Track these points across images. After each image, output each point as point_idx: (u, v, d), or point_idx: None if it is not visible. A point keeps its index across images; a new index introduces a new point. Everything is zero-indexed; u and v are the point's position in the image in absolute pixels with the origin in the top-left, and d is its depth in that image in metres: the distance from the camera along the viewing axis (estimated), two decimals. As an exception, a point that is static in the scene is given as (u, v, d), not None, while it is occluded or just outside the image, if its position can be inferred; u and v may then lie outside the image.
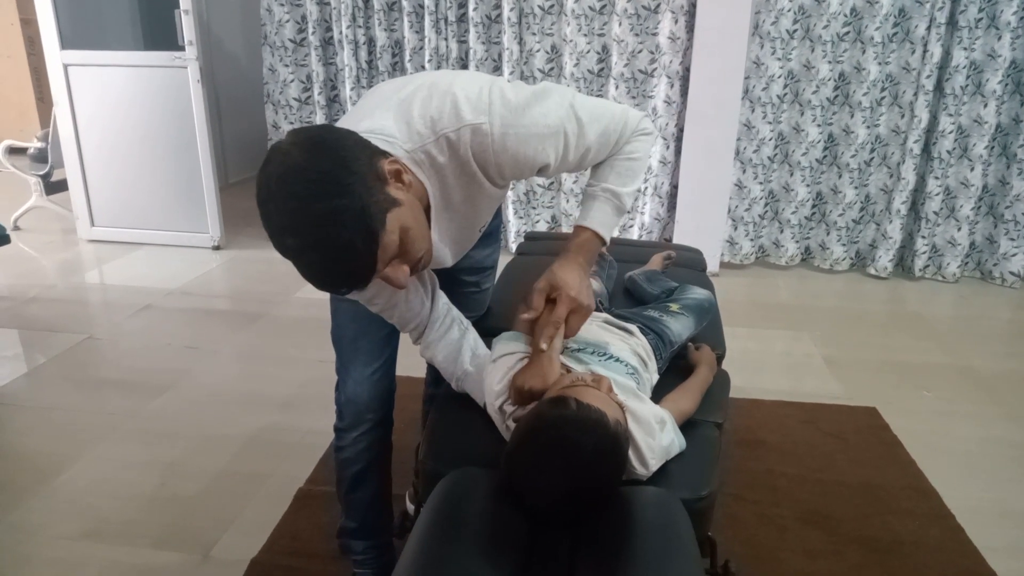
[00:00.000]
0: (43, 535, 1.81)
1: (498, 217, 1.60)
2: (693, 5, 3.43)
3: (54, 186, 4.45)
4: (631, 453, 1.09)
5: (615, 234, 1.32)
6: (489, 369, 1.26)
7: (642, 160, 1.25)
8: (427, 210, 1.13)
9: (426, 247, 1.07)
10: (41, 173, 4.39)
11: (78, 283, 3.66)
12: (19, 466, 2.11)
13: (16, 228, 4.39)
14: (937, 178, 3.54)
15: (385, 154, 1.02)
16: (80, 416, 2.37)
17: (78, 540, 1.79)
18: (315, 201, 0.93)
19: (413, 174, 1.07)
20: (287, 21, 3.93)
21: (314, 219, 0.93)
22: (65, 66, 3.87)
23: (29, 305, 3.31)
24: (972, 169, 3.53)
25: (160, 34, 3.75)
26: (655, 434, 1.15)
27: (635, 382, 1.26)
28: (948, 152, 3.50)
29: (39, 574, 1.70)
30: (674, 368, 1.49)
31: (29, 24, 6.12)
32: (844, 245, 3.77)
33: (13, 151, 4.35)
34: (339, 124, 1.15)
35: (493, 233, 1.59)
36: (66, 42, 3.85)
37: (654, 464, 1.13)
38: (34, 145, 4.41)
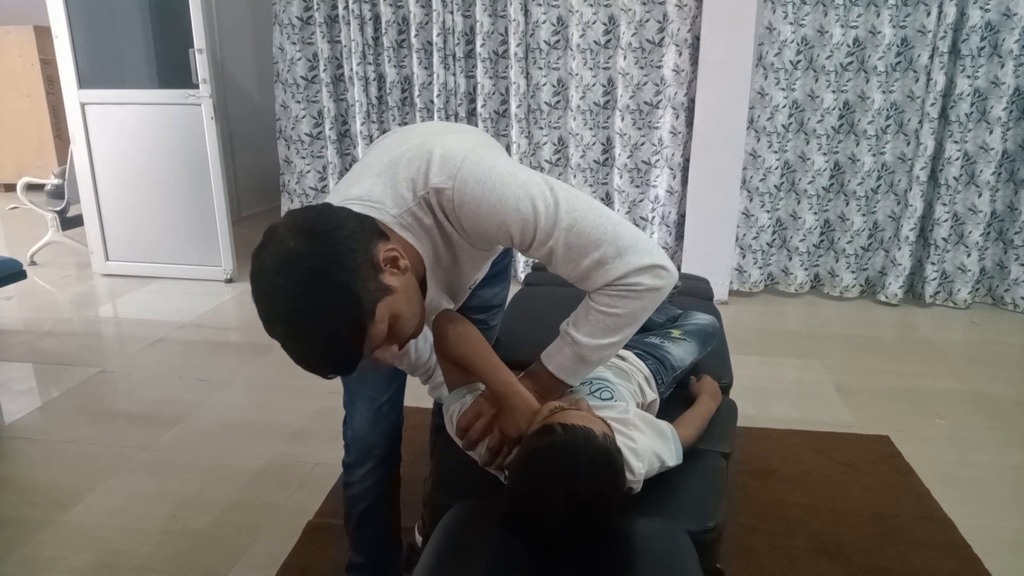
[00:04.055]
0: (55, 568, 1.82)
1: (508, 255, 1.61)
2: (697, 38, 3.48)
3: (70, 222, 4.52)
4: None
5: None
6: (449, 428, 1.25)
7: (624, 317, 1.10)
8: (425, 272, 1.13)
9: (416, 324, 1.07)
10: (57, 209, 4.46)
11: (92, 317, 3.70)
12: (32, 499, 2.13)
13: (33, 263, 4.46)
14: (945, 204, 3.54)
15: (383, 236, 1.02)
16: (93, 449, 2.39)
17: (89, 574, 1.80)
18: (303, 296, 0.94)
19: (406, 247, 1.07)
20: (299, 59, 4.02)
21: (301, 313, 0.94)
22: (82, 104, 3.97)
23: (44, 339, 3.35)
24: (980, 195, 3.54)
25: (175, 72, 3.84)
26: (635, 437, 1.15)
27: (601, 397, 1.25)
28: (955, 179, 3.51)
29: (50, 608, 1.71)
30: (678, 399, 1.49)
31: (48, 64, 6.27)
32: (853, 272, 3.77)
33: (31, 187, 4.44)
34: (337, 188, 1.16)
35: (502, 272, 1.60)
36: (83, 81, 3.95)
37: (640, 467, 1.12)
38: (51, 182, 4.49)
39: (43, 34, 6.16)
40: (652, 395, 1.40)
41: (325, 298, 0.94)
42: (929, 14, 3.33)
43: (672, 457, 1.19)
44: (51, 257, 4.59)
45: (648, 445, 1.16)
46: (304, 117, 4.12)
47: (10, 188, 6.34)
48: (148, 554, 1.87)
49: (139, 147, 4.00)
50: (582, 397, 1.18)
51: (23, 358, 3.14)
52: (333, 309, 0.94)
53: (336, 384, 1.47)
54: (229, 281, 4.08)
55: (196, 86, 3.79)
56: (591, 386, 1.28)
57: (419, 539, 1.78)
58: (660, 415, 1.33)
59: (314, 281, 0.94)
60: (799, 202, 3.73)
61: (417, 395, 1.55)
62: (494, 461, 1.18)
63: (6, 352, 3.18)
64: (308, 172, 4.21)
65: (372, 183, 1.09)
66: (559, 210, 1.05)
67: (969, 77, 3.36)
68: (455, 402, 1.24)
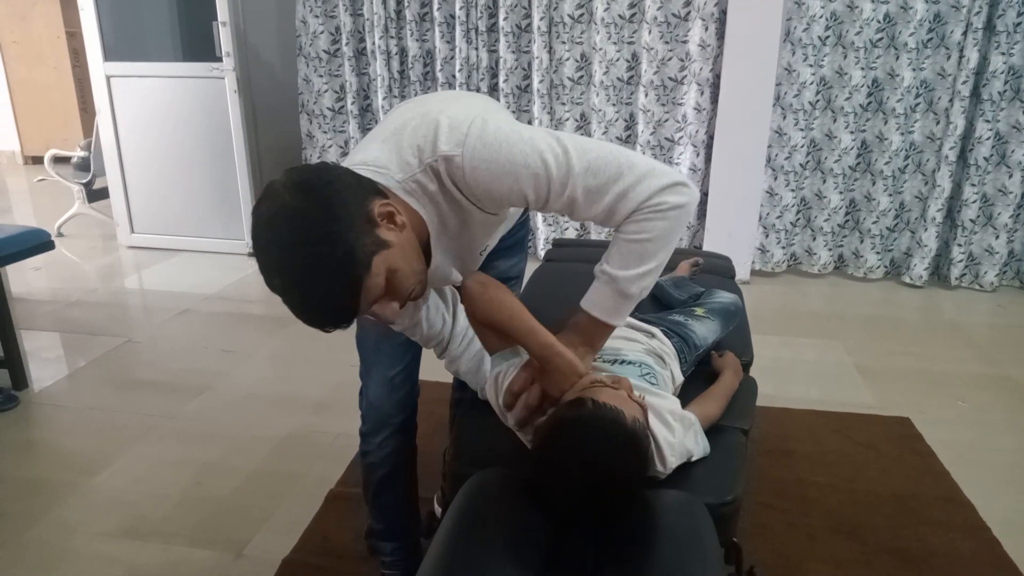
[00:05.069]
0: (83, 531, 1.87)
1: (525, 227, 1.61)
2: (723, 12, 3.43)
3: (96, 194, 4.58)
4: (652, 448, 1.09)
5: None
6: (490, 391, 1.25)
7: (654, 240, 1.09)
8: (429, 237, 1.14)
9: (416, 281, 1.07)
10: (84, 181, 4.52)
11: (118, 288, 3.76)
12: (61, 464, 2.18)
13: (60, 234, 4.53)
14: (974, 185, 3.48)
15: (380, 194, 1.03)
16: (119, 417, 2.44)
17: (116, 537, 1.85)
18: (298, 247, 0.96)
19: (408, 210, 1.08)
20: (321, 32, 4.01)
21: (297, 264, 0.96)
22: (108, 77, 4.00)
23: (71, 309, 3.41)
24: (1011, 176, 3.47)
25: (199, 45, 3.86)
26: (675, 431, 1.15)
27: (650, 382, 1.26)
28: (985, 159, 3.44)
29: (79, 569, 1.75)
30: (700, 375, 1.49)
31: (74, 37, 6.32)
32: (878, 253, 3.72)
33: (58, 160, 4.49)
34: (347, 158, 1.17)
35: (519, 244, 1.60)
36: (109, 54, 3.97)
37: (672, 462, 1.13)
38: (77, 154, 4.55)
39: (69, 6, 6.20)
40: (680, 377, 1.40)
41: (318, 248, 0.95)
42: (964, -11, 3.25)
43: (699, 452, 1.20)
44: (78, 229, 4.66)
45: (683, 441, 1.17)
46: (326, 91, 4.12)
47: (38, 160, 6.43)
48: (173, 519, 1.92)
49: (163, 120, 4.03)
50: (625, 377, 1.17)
51: (51, 327, 3.20)
52: (327, 259, 0.96)
53: (357, 357, 1.49)
54: (252, 254, 4.10)
55: (220, 59, 3.80)
56: (640, 369, 1.29)
57: (438, 509, 1.80)
58: (683, 392, 1.34)
59: (307, 233, 0.95)
60: (824, 181, 3.68)
61: (437, 369, 1.56)
62: (530, 418, 1.18)
63: (35, 321, 3.24)
64: (330, 146, 4.21)
65: (377, 150, 1.11)
66: (570, 157, 1.06)
67: (1004, 54, 3.28)
68: (502, 365, 1.23)
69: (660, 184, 1.07)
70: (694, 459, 1.19)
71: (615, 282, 1.12)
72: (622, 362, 1.30)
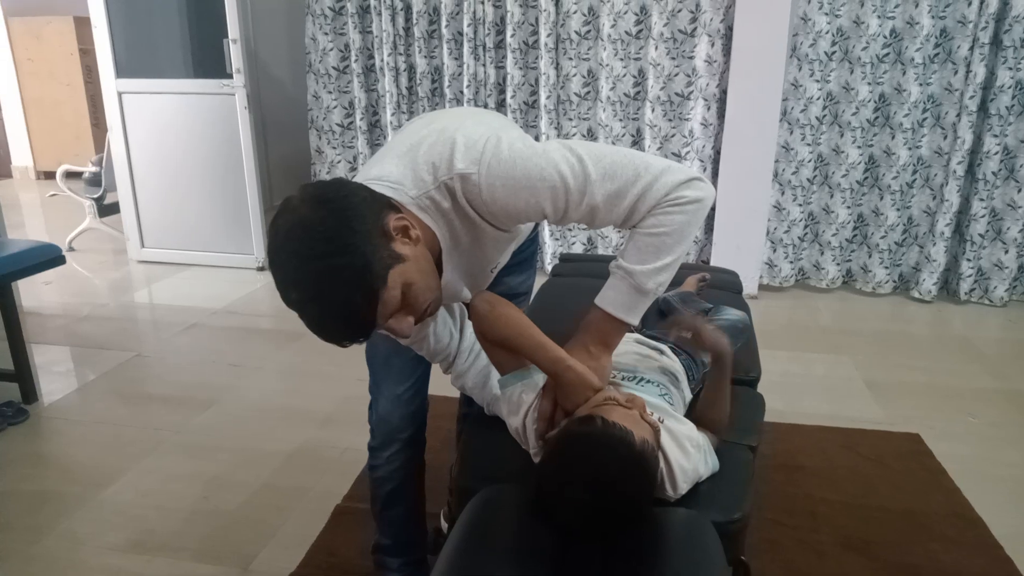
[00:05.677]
0: (91, 545, 1.87)
1: (534, 243, 1.61)
2: (730, 28, 3.45)
3: (107, 209, 4.62)
4: (664, 472, 1.09)
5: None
6: (503, 410, 1.25)
7: (671, 234, 1.09)
8: (441, 253, 1.14)
9: (432, 297, 1.08)
10: (95, 196, 4.56)
11: (128, 302, 3.78)
12: (70, 477, 2.19)
13: (71, 249, 4.56)
14: (982, 200, 3.47)
15: (394, 209, 1.04)
16: (128, 430, 2.45)
17: (124, 551, 1.85)
18: (315, 260, 0.96)
19: (421, 225, 1.09)
20: (331, 49, 4.05)
21: (314, 277, 0.96)
22: (119, 93, 4.04)
23: (81, 323, 3.43)
24: (1019, 190, 3.46)
25: (209, 62, 3.90)
26: (690, 456, 1.14)
27: (668, 402, 1.25)
28: (994, 173, 3.43)
29: (87, 583, 1.76)
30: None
31: (87, 54, 6.40)
32: (887, 268, 3.71)
33: (69, 175, 4.54)
34: (360, 171, 1.18)
35: (528, 260, 1.60)
36: (121, 71, 4.02)
37: (684, 487, 1.12)
38: (89, 169, 4.59)
39: (82, 24, 6.28)
40: (688, 395, 1.40)
41: (336, 260, 0.96)
42: (970, 4, 3.25)
43: (708, 472, 1.20)
44: (88, 243, 4.69)
45: (697, 466, 1.16)
46: (335, 107, 4.15)
47: (50, 175, 6.50)
48: (181, 533, 1.92)
49: (174, 136, 4.07)
50: (642, 396, 1.16)
51: (61, 341, 3.22)
52: (345, 271, 0.96)
53: (365, 371, 1.49)
54: (261, 269, 4.14)
55: (230, 76, 3.84)
56: (660, 389, 1.28)
57: (444, 525, 1.80)
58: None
59: (325, 245, 0.96)
60: (832, 196, 3.68)
61: (444, 385, 1.57)
62: (543, 427, 1.17)
63: (45, 335, 3.27)
64: (339, 162, 4.24)
65: (392, 165, 1.12)
66: (586, 165, 1.07)
67: (1011, 69, 3.28)
68: (514, 384, 1.23)
69: (677, 180, 1.08)
70: (703, 479, 1.19)
71: (631, 277, 1.12)
72: (640, 380, 1.29)
